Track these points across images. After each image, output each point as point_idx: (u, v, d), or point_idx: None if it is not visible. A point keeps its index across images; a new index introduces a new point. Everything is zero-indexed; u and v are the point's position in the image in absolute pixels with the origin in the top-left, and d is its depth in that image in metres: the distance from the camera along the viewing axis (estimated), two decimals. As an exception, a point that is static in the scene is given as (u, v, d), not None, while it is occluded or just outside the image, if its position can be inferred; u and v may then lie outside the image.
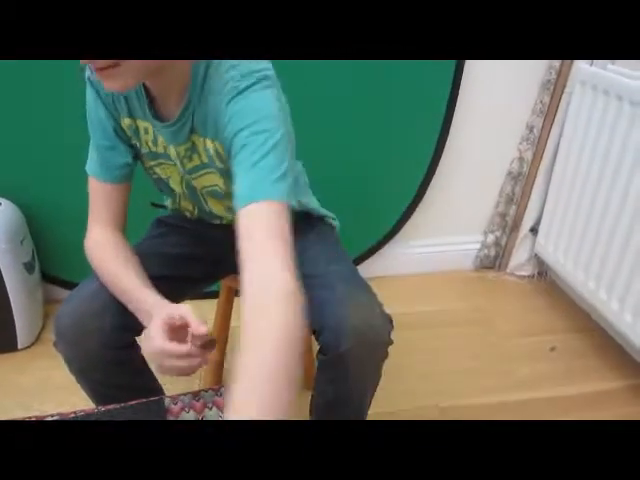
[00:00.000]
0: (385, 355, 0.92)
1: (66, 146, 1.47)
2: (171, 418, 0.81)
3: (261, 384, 0.61)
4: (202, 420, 0.78)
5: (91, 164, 0.96)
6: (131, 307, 0.87)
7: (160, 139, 0.92)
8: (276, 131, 0.77)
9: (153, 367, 0.81)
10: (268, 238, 0.71)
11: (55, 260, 1.71)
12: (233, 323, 1.44)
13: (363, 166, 1.75)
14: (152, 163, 0.98)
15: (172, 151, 0.92)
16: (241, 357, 0.62)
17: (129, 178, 0.98)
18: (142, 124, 0.92)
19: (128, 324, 0.89)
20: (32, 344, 1.61)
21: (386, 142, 1.73)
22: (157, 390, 1.04)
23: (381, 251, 1.91)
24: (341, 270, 0.96)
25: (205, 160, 0.93)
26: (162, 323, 0.77)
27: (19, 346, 1.58)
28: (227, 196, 0.99)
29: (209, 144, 0.89)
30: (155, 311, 0.81)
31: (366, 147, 1.72)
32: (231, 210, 1.04)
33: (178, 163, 0.94)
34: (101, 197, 0.96)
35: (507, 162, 1.88)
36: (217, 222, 1.10)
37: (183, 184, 1.01)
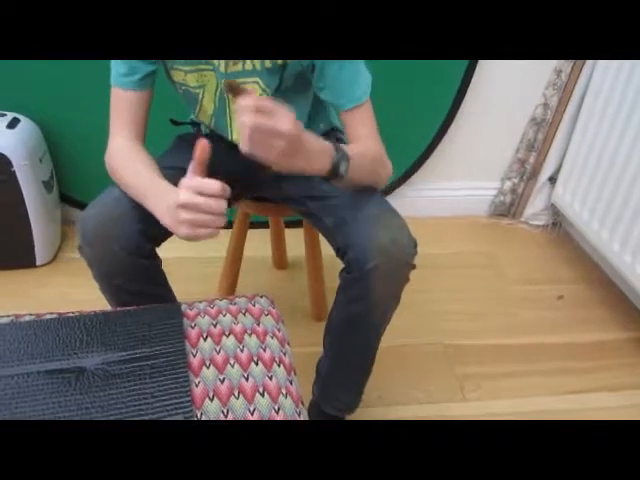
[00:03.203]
0: (407, 278, 0.95)
1: (86, 65, 1.46)
2: (187, 322, 0.85)
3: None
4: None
5: (115, 75, 0.96)
6: (153, 201, 0.86)
7: None
8: None
9: (182, 229, 0.80)
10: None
11: (73, 181, 1.73)
12: (246, 253, 1.46)
13: (383, 104, 1.72)
14: (186, 69, 0.97)
15: None
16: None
17: (152, 86, 0.98)
18: None
19: (150, 232, 0.91)
20: (50, 262, 1.65)
21: (408, 81, 1.70)
22: (175, 302, 1.06)
23: (397, 192, 1.90)
24: (368, 192, 0.97)
25: (249, 67, 0.94)
26: (192, 168, 0.80)
27: (38, 262, 1.62)
28: None
29: None
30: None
31: (387, 85, 1.68)
32: None
33: (222, 66, 0.93)
34: (123, 106, 0.97)
35: (531, 108, 1.84)
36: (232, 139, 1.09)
37: (216, 96, 1.01)
